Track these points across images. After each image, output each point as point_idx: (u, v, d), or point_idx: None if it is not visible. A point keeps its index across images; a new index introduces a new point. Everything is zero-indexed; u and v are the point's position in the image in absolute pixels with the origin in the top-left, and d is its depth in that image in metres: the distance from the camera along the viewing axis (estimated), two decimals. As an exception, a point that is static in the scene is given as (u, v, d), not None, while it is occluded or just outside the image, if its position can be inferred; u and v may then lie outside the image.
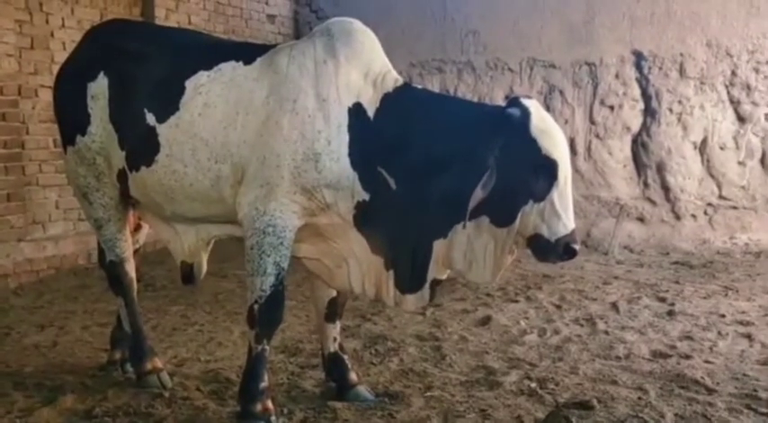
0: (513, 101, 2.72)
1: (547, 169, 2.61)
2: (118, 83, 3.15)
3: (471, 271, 2.79)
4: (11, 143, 5.87)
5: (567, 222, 2.63)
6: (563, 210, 2.63)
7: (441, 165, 2.69)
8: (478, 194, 2.57)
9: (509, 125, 2.63)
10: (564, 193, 2.65)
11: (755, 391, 3.27)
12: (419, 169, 2.72)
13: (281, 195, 2.77)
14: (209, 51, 3.13)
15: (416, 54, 8.40)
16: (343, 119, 2.77)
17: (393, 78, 2.90)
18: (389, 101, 2.82)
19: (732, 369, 3.60)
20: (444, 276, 2.91)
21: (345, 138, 2.76)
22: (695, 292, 5.34)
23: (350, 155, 2.76)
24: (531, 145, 2.61)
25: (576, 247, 2.66)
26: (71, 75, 3.33)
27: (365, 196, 2.79)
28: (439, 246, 2.78)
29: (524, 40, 7.99)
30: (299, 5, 9.35)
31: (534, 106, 2.68)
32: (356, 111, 2.79)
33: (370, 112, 2.81)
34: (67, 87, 3.33)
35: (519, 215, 2.65)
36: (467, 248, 2.75)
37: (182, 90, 3.00)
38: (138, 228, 3.60)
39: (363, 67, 2.86)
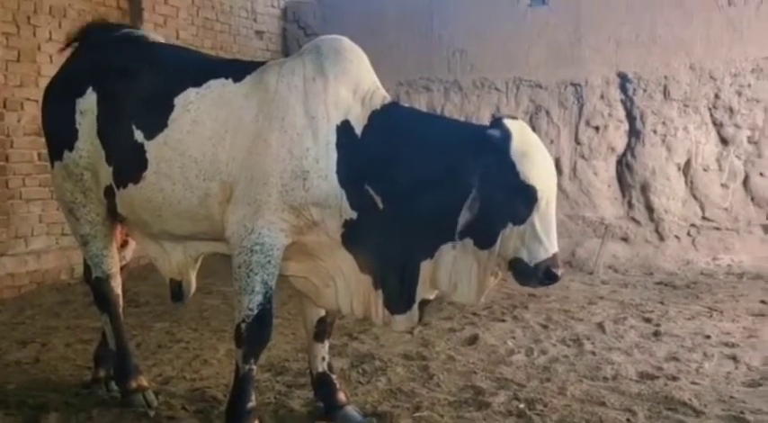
0: (496, 121, 2.68)
1: (525, 193, 2.54)
2: (106, 99, 3.13)
3: (456, 292, 2.76)
4: (-5, 156, 5.82)
5: (549, 247, 2.56)
6: (544, 234, 2.56)
7: (424, 184, 2.67)
8: (466, 216, 2.56)
9: (488, 147, 2.58)
10: (545, 217, 2.58)
11: (742, 413, 3.28)
12: (404, 189, 2.70)
13: (269, 213, 2.75)
14: (198, 68, 3.12)
15: (404, 72, 8.45)
16: (332, 136, 2.76)
17: (381, 96, 2.89)
18: (377, 119, 2.81)
19: (719, 391, 3.61)
20: (432, 296, 2.89)
21: (334, 155, 2.75)
22: (680, 313, 5.37)
23: (338, 173, 2.75)
24: (510, 168, 2.54)
25: (558, 271, 2.57)
26: (60, 90, 3.31)
27: (353, 215, 2.77)
28: (426, 266, 2.76)
29: (511, 60, 8.06)
30: (287, 22, 9.39)
31: (518, 127, 2.62)
32: (344, 128, 2.78)
33: (358, 130, 2.80)
34: (56, 103, 3.31)
35: (499, 238, 2.60)
36: (452, 269, 2.72)
37: (170, 107, 2.98)
38: (124, 244, 3.56)
39: (352, 85, 2.85)
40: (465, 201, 2.57)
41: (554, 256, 2.57)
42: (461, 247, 2.68)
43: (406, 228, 2.71)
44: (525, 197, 2.55)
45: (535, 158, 2.58)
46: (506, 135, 2.58)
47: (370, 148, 2.77)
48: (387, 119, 2.82)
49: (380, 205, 2.74)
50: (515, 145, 2.56)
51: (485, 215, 2.58)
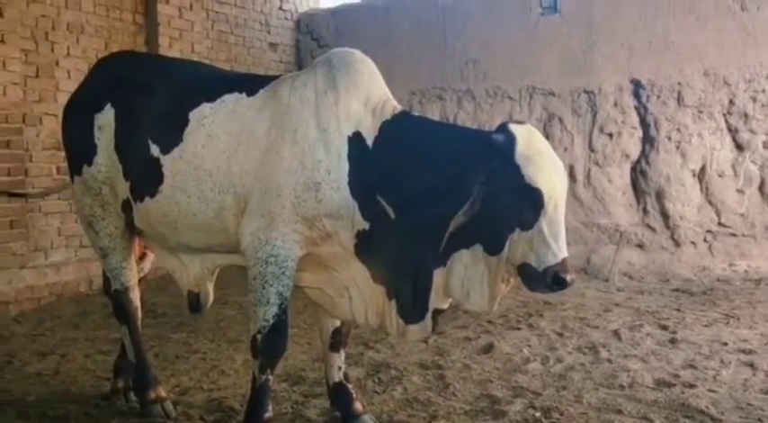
0: (501, 126, 2.67)
1: (531, 197, 2.52)
2: (124, 114, 3.20)
3: (469, 300, 2.75)
4: (14, 170, 5.93)
5: (557, 252, 2.52)
6: (553, 239, 2.52)
7: (432, 192, 2.67)
8: (459, 220, 2.54)
9: (493, 151, 2.58)
10: (553, 221, 2.54)
11: (760, 420, 3.27)
12: (413, 197, 2.70)
13: (283, 225, 2.78)
14: (212, 83, 3.17)
15: (417, 82, 8.50)
16: (343, 148, 2.79)
17: (392, 106, 2.91)
18: (387, 129, 2.83)
19: (736, 398, 3.59)
20: (446, 306, 2.89)
21: (345, 167, 2.77)
22: (696, 320, 5.34)
23: (350, 184, 2.77)
24: (515, 172, 2.52)
25: (567, 277, 2.52)
26: (79, 106, 3.38)
27: (365, 225, 2.78)
28: (439, 274, 2.76)
29: (524, 68, 8.08)
30: (300, 34, 9.47)
31: (524, 131, 2.61)
32: (356, 140, 2.81)
33: (369, 141, 2.81)
34: (75, 118, 3.38)
35: (507, 243, 2.58)
36: (464, 277, 2.72)
37: (186, 122, 3.03)
38: (142, 256, 3.62)
39: (363, 97, 2.88)
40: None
41: (563, 261, 2.53)
42: (472, 254, 2.68)
43: (418, 237, 2.71)
44: (531, 201, 2.52)
45: (541, 162, 2.55)
46: (511, 139, 2.57)
47: (382, 159, 2.79)
48: (397, 129, 2.83)
49: (392, 215, 2.75)
50: (521, 149, 2.55)
51: (492, 221, 2.57)
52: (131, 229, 3.35)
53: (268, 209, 2.79)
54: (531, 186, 2.51)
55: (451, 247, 2.68)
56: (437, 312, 2.85)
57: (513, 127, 2.63)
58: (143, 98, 3.17)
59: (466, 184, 2.57)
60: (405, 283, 2.80)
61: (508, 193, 2.54)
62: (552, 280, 2.52)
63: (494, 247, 2.62)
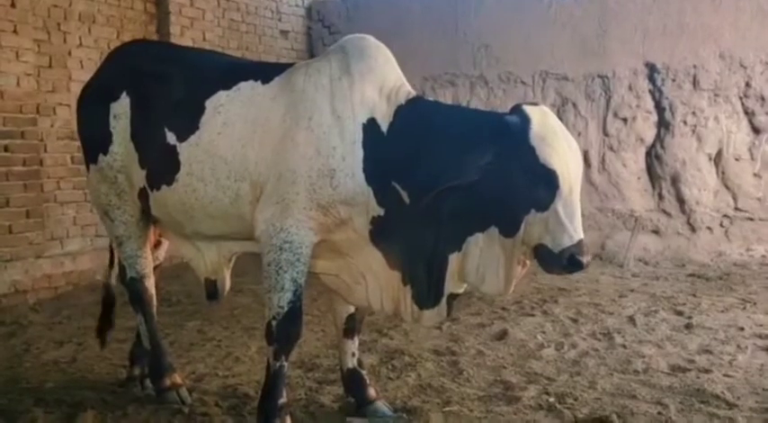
0: (515, 108, 2.65)
1: (546, 178, 2.50)
2: (140, 103, 3.20)
3: (484, 283, 2.74)
4: (30, 160, 5.96)
5: (573, 233, 2.51)
6: (568, 220, 2.51)
7: (446, 177, 2.62)
8: (453, 181, 2.54)
9: (506, 133, 2.56)
10: (569, 202, 2.53)
11: (776, 405, 3.25)
12: (428, 182, 2.66)
13: (297, 212, 2.78)
14: (228, 71, 3.16)
15: (429, 68, 8.45)
16: (358, 135, 2.78)
17: (406, 92, 2.89)
18: (401, 114, 2.81)
19: (752, 383, 3.58)
20: (461, 291, 2.88)
21: (360, 153, 2.76)
22: (712, 305, 5.31)
23: (364, 170, 2.76)
24: (529, 153, 2.51)
25: (582, 259, 2.50)
26: (94, 95, 3.39)
27: (380, 211, 2.78)
28: (454, 259, 2.75)
29: (536, 53, 8.01)
30: (311, 21, 9.43)
31: (538, 113, 2.58)
32: (370, 126, 2.79)
33: (384, 127, 2.80)
34: (91, 107, 3.39)
35: (523, 225, 2.57)
36: (479, 261, 2.71)
37: (202, 109, 3.03)
38: (158, 244, 3.63)
39: (378, 82, 2.86)
40: (490, 191, 2.56)
41: (579, 242, 2.51)
42: (488, 237, 2.66)
43: (433, 221, 2.70)
44: (546, 182, 2.51)
45: (556, 143, 2.53)
46: (525, 120, 2.55)
47: (396, 144, 2.77)
48: (410, 113, 2.82)
49: (407, 200, 2.74)
50: (535, 130, 2.53)
51: (508, 203, 2.57)
52: (147, 218, 3.36)
53: (282, 196, 2.79)
54: (546, 167, 2.50)
55: (467, 230, 2.68)
56: (452, 297, 2.84)
57: (527, 108, 2.61)
58: (159, 86, 3.17)
59: (474, 166, 2.55)
60: (420, 269, 2.79)
61: (523, 174, 2.52)
62: (568, 261, 2.51)
63: (509, 229, 2.60)
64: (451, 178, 2.58)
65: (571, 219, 2.52)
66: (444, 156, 2.67)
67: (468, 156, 2.59)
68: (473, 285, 2.81)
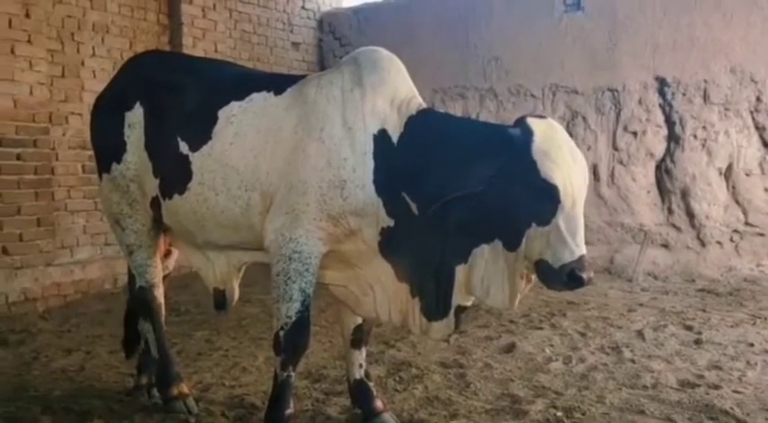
0: (520, 120, 2.64)
1: (547, 193, 2.48)
2: (153, 112, 3.23)
3: (489, 296, 2.72)
4: (41, 169, 6.01)
5: (575, 248, 2.48)
6: (570, 235, 2.48)
7: (452, 187, 2.62)
8: (455, 192, 2.54)
9: (509, 146, 2.56)
10: (571, 217, 2.50)
11: (787, 422, 3.22)
12: (435, 193, 2.66)
13: (307, 222, 2.79)
14: (241, 82, 3.19)
15: (439, 80, 8.48)
16: (369, 146, 2.79)
17: (417, 103, 2.90)
18: (411, 125, 2.82)
19: (762, 399, 3.54)
20: (469, 303, 2.87)
21: (371, 164, 2.77)
22: (722, 321, 5.27)
23: (375, 181, 2.77)
24: (531, 167, 2.49)
25: (583, 275, 2.46)
26: (109, 104, 3.42)
27: (390, 222, 2.78)
28: (460, 271, 2.74)
29: (547, 66, 8.02)
30: (322, 33, 9.49)
31: (543, 126, 2.57)
32: (381, 137, 2.80)
33: (395, 138, 2.81)
34: (105, 116, 3.42)
35: (524, 239, 2.55)
36: (484, 273, 2.69)
37: (214, 119, 3.06)
38: (167, 254, 3.65)
39: (389, 94, 2.88)
40: (492, 203, 2.55)
41: (580, 258, 2.48)
42: (492, 249, 2.65)
43: (440, 233, 2.70)
44: (547, 197, 2.49)
45: (559, 158, 2.51)
46: (528, 133, 2.54)
47: (406, 155, 2.78)
48: (420, 125, 2.82)
49: (415, 211, 2.74)
50: (537, 143, 2.51)
51: (509, 216, 2.55)
52: (157, 227, 3.38)
53: (292, 206, 2.80)
54: (548, 182, 2.48)
55: (472, 242, 2.67)
56: (460, 310, 2.83)
57: (531, 121, 2.60)
58: (173, 96, 3.20)
59: (476, 178, 2.55)
60: (428, 280, 2.78)
61: (524, 187, 2.51)
62: (568, 277, 2.48)
63: (511, 243, 2.59)
64: (455, 189, 2.58)
65: (573, 234, 2.50)
66: (449, 167, 2.67)
67: (471, 168, 2.60)
68: (479, 298, 2.79)
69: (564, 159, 2.52)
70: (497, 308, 2.84)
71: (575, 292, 6.17)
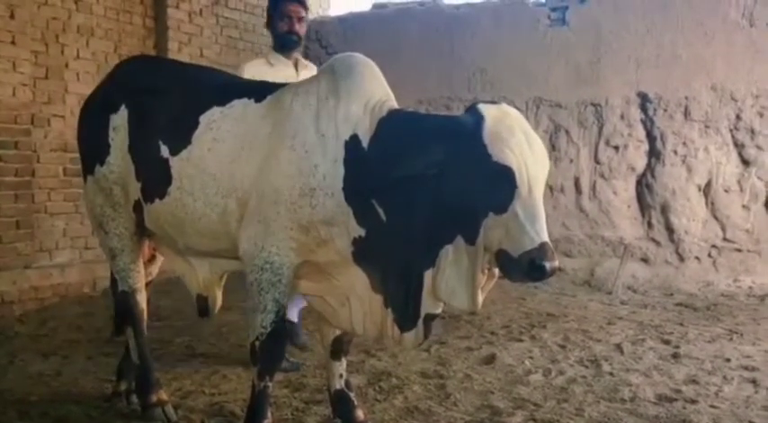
0: (471, 107, 2.55)
1: (501, 177, 2.36)
2: (137, 115, 3.23)
3: (454, 297, 2.59)
4: (22, 171, 5.96)
5: (535, 236, 2.33)
6: (529, 222, 2.35)
7: (411, 185, 2.55)
8: (401, 170, 2.49)
9: (459, 131, 2.48)
10: (529, 203, 2.37)
11: (762, 437, 3.26)
12: (397, 194, 2.61)
13: (279, 231, 2.76)
14: (224, 88, 3.19)
15: (424, 91, 8.50)
16: (340, 153, 2.73)
17: (389, 106, 2.83)
18: (381, 127, 2.75)
19: (738, 415, 3.58)
20: (438, 311, 2.77)
21: (341, 172, 2.72)
22: (700, 335, 5.33)
23: (344, 189, 2.71)
24: (481, 152, 2.38)
25: (546, 264, 2.31)
26: (96, 106, 3.41)
27: (361, 232, 2.72)
28: (428, 276, 2.64)
29: (531, 79, 8.09)
30: (308, 41, 9.47)
31: (494, 110, 2.47)
32: (353, 143, 2.75)
33: (365, 142, 2.74)
34: (91, 118, 3.42)
35: (482, 229, 2.44)
36: (449, 274, 2.58)
37: (195, 124, 3.05)
38: (151, 259, 3.63)
39: (364, 98, 2.83)
40: (448, 195, 2.48)
41: (542, 245, 2.32)
42: (456, 249, 2.55)
43: (407, 237, 2.63)
44: (502, 181, 2.38)
45: (512, 140, 2.40)
46: (479, 118, 2.45)
47: (374, 158, 2.71)
48: (387, 125, 2.76)
49: (384, 218, 2.68)
50: (488, 127, 2.42)
51: (465, 207, 2.46)
52: (141, 232, 3.37)
53: (264, 214, 2.78)
54: (501, 164, 2.38)
55: (437, 243, 2.59)
56: (429, 317, 2.74)
57: (482, 106, 2.52)
58: (157, 100, 3.19)
59: (425, 162, 2.49)
60: (398, 289, 2.72)
61: (477, 173, 2.41)
62: (529, 266, 2.34)
63: (470, 235, 2.49)
64: (403, 174, 2.51)
65: (532, 221, 2.37)
66: (409, 164, 2.55)
67: (420, 156, 2.51)
68: (444, 300, 2.67)
69: (517, 142, 2.41)
70: (462, 309, 2.71)
71: (555, 303, 6.24)
